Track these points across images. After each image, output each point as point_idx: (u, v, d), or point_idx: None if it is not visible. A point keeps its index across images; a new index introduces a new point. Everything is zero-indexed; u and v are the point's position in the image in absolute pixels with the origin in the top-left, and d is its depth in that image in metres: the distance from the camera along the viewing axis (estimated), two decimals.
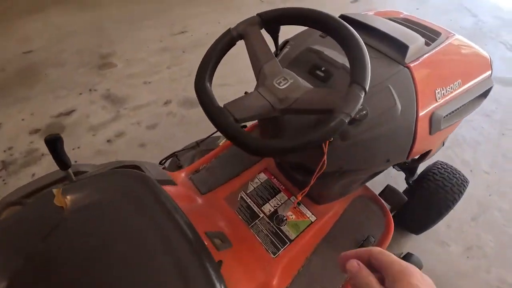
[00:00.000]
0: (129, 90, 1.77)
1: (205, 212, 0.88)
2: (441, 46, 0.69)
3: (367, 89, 0.42)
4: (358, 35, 0.46)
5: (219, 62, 0.54)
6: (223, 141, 1.36)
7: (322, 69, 0.58)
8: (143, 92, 1.76)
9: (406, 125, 0.57)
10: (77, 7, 2.44)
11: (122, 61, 1.97)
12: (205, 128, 1.62)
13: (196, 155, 1.29)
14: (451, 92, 0.65)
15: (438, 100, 0.62)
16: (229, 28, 0.55)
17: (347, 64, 0.57)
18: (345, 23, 0.47)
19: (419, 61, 0.61)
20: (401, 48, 0.60)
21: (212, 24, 2.28)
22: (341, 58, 0.58)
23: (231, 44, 0.55)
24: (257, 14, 0.54)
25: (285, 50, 0.66)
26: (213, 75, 0.53)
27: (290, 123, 0.55)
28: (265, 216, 0.89)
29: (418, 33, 0.69)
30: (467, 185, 1.04)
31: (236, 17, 2.52)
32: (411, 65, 0.60)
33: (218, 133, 1.40)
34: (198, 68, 0.53)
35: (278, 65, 0.50)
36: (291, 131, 0.55)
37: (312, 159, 0.60)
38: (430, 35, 0.73)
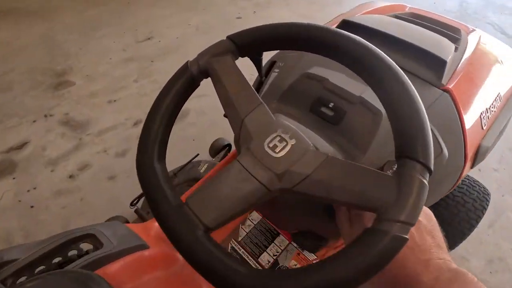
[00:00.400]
0: (91, 111, 1.54)
1: (187, 276, 0.70)
2: (470, 50, 0.54)
3: (432, 169, 0.26)
4: (406, 78, 0.28)
5: (175, 118, 0.36)
6: (204, 167, 1.17)
7: (330, 105, 0.40)
8: (108, 113, 1.54)
9: (452, 172, 0.42)
10: (23, 19, 2.15)
11: (81, 77, 1.72)
12: (185, 149, 1.43)
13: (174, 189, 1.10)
14: (494, 112, 0.50)
15: (484, 127, 0.46)
16: (187, 62, 0.36)
17: (365, 96, 0.40)
18: (383, 55, 0.29)
19: (457, 78, 0.45)
20: (436, 63, 0.43)
21: (182, 27, 2.06)
22: (356, 86, 0.41)
23: (191, 87, 0.36)
24: (228, 38, 0.36)
25: (272, 76, 0.48)
26: (166, 144, 0.35)
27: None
28: None
29: (438, 34, 0.53)
30: (490, 198, 0.91)
31: (207, 17, 2.31)
32: (450, 86, 0.43)
33: (199, 157, 1.22)
34: (141, 134, 0.34)
35: (269, 115, 0.32)
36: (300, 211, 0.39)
37: (323, 228, 0.44)
38: (451, 34, 0.57)
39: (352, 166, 0.27)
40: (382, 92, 0.28)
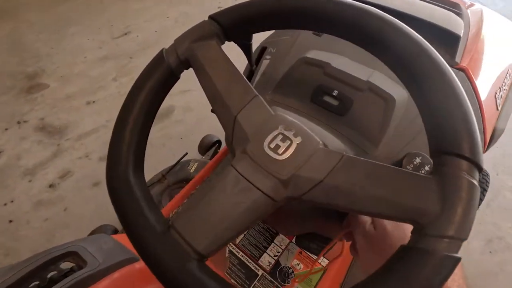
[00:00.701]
0: (69, 115, 1.45)
1: None
2: (475, 25, 0.49)
3: (483, 166, 0.21)
4: (440, 57, 0.23)
5: (152, 119, 0.30)
6: (194, 166, 1.12)
7: (334, 93, 0.35)
8: (88, 115, 1.44)
9: None
10: None
11: (55, 79, 1.61)
12: (173, 148, 1.36)
13: (165, 192, 1.04)
14: (506, 90, 0.46)
15: (498, 108, 0.43)
16: (162, 50, 0.30)
17: (374, 81, 0.35)
18: (410, 30, 0.23)
19: (469, 56, 0.41)
20: (449, 39, 0.39)
21: (160, 20, 1.95)
22: (362, 70, 0.36)
23: (169, 81, 0.30)
24: (211, 17, 0.30)
25: (263, 64, 0.42)
26: (144, 151, 0.29)
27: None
28: (265, 273, 0.68)
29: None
30: (489, 179, 0.89)
31: (186, 8, 2.20)
32: (464, 64, 0.39)
33: (188, 156, 1.16)
34: (111, 142, 0.28)
35: (266, 109, 0.26)
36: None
37: (329, 228, 0.40)
38: (452, 9, 0.52)
39: (377, 167, 0.22)
40: (411, 75, 0.23)
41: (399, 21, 0.24)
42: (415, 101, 0.23)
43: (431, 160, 0.31)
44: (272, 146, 0.24)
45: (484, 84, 0.41)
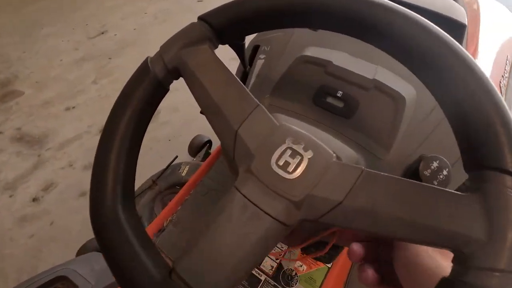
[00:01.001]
0: (47, 123, 1.37)
1: None
2: (472, 12, 0.47)
3: None
4: (471, 57, 0.20)
5: (139, 142, 0.26)
6: (186, 169, 1.08)
7: (338, 94, 0.33)
8: (68, 122, 1.37)
9: None
10: None
11: (30, 85, 1.52)
12: (161, 151, 1.31)
13: (157, 198, 1.00)
14: (507, 77, 0.44)
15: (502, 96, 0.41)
16: (146, 60, 0.27)
17: (380, 78, 0.32)
18: (434, 26, 0.21)
19: (473, 44, 0.38)
20: (455, 29, 0.36)
21: (138, 16, 1.87)
22: (366, 67, 0.33)
23: (156, 94, 0.26)
24: (201, 19, 0.26)
25: (258, 64, 0.39)
26: (134, 177, 0.26)
27: None
28: (268, 278, 0.66)
29: None
30: None
31: (165, 4, 2.11)
32: (470, 53, 0.37)
33: (178, 160, 1.11)
34: (93, 170, 0.24)
35: (270, 120, 0.23)
36: None
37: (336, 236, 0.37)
38: None
39: (404, 184, 0.19)
40: (441, 81, 0.20)
41: (405, 8, 0.21)
42: (440, 104, 0.20)
43: (448, 163, 0.29)
44: (280, 163, 0.21)
45: (490, 72, 0.39)
